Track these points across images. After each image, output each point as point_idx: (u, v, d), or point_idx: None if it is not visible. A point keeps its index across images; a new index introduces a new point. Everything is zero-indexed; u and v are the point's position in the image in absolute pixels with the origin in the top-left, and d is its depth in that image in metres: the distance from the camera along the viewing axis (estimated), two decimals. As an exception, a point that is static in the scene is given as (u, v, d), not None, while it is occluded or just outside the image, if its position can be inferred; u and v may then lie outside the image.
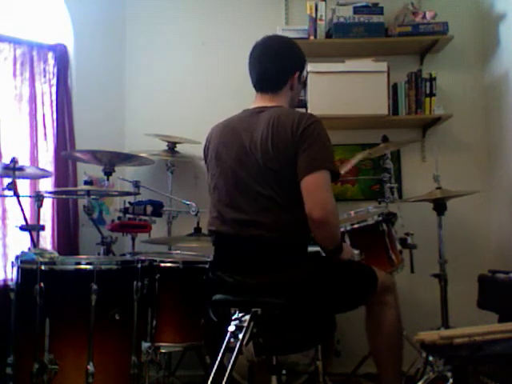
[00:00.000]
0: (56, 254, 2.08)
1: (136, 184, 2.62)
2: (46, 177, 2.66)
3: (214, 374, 1.57)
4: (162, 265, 2.35)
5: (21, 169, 2.20)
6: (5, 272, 2.50)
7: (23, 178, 2.39)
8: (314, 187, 1.67)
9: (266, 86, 1.87)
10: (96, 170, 2.65)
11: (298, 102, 2.06)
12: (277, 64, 1.86)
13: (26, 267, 1.96)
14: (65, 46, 2.93)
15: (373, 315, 1.92)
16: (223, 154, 1.81)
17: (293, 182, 1.70)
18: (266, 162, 1.71)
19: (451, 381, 1.97)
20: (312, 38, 3.03)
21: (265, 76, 1.87)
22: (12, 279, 2.03)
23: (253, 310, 1.61)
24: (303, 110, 2.91)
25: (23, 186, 2.55)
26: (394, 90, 3.05)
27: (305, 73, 2.94)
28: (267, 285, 1.69)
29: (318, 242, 1.75)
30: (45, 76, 2.85)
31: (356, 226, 2.38)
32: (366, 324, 1.94)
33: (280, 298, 1.66)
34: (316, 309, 1.74)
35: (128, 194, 2.58)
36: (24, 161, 2.63)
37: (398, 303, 1.93)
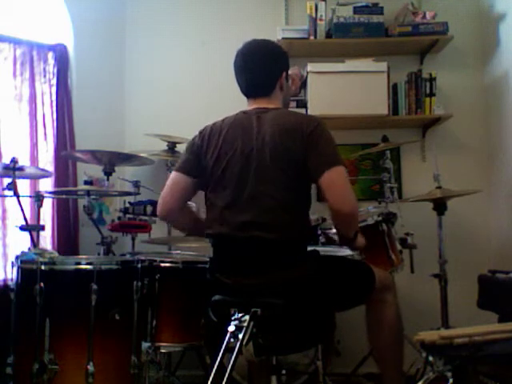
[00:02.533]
0: (56, 254, 2.08)
1: (136, 184, 2.62)
2: (46, 177, 2.66)
3: (214, 374, 1.57)
4: (162, 265, 2.35)
5: (21, 169, 2.20)
6: (5, 272, 2.50)
7: (23, 178, 2.39)
8: (339, 182, 1.71)
9: (259, 92, 1.89)
10: (96, 170, 2.65)
11: (289, 101, 2.12)
12: (265, 69, 1.88)
13: (26, 267, 1.96)
14: (65, 46, 2.93)
15: (373, 314, 1.93)
16: (227, 155, 1.80)
17: (295, 182, 1.72)
18: (273, 161, 1.72)
19: (451, 381, 1.97)
20: (312, 38, 3.03)
21: (256, 82, 1.88)
22: (12, 279, 2.04)
23: (252, 310, 1.61)
24: (303, 110, 2.92)
25: (23, 186, 2.55)
26: (394, 90, 3.05)
27: (304, 73, 2.95)
28: (267, 285, 1.69)
29: (341, 232, 1.86)
30: (45, 76, 2.85)
31: (356, 225, 2.38)
32: (366, 323, 1.95)
33: (279, 298, 1.66)
34: (315, 308, 1.74)
35: (128, 194, 2.58)
36: (24, 161, 2.63)
37: (397, 301, 1.95)
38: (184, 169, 1.90)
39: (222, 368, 1.59)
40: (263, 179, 1.72)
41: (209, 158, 1.85)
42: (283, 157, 1.72)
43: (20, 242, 2.49)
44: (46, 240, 2.73)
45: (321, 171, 1.69)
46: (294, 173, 1.71)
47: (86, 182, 2.39)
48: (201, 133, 1.92)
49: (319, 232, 2.46)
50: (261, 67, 1.88)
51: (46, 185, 2.75)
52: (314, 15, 3.03)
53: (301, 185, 1.74)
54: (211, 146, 1.85)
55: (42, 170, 2.61)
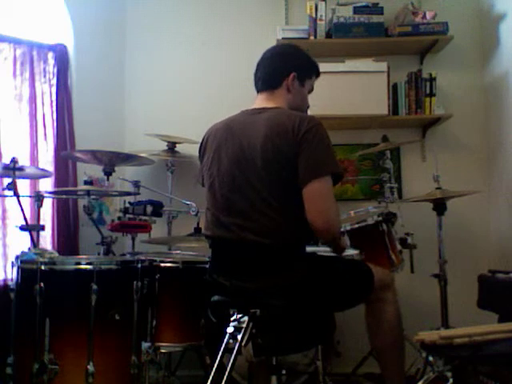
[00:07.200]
0: (56, 254, 2.08)
1: (136, 184, 2.62)
2: (46, 177, 2.66)
3: (214, 374, 1.57)
4: (162, 265, 2.35)
5: (21, 169, 2.20)
6: (5, 272, 2.50)
7: (23, 178, 2.39)
8: (317, 196, 1.67)
9: (262, 85, 1.91)
10: (96, 170, 2.65)
11: (306, 110, 2.01)
12: (271, 63, 1.92)
13: (26, 267, 1.97)
14: (65, 46, 2.93)
15: (372, 313, 1.92)
16: (221, 156, 1.80)
17: (290, 183, 1.69)
18: (265, 163, 1.70)
19: (451, 381, 1.97)
20: (312, 38, 3.03)
21: (261, 75, 1.91)
22: (12, 279, 2.03)
23: (251, 310, 1.61)
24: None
25: (23, 186, 2.55)
26: (394, 90, 3.05)
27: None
28: (265, 287, 1.68)
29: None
30: (45, 76, 2.85)
31: (356, 226, 2.39)
32: (366, 322, 1.94)
33: (278, 299, 1.66)
34: (314, 309, 1.73)
35: (128, 194, 2.58)
36: (24, 161, 2.63)
37: (397, 299, 1.94)
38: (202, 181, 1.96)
39: (222, 368, 1.59)
40: (255, 183, 1.70)
41: (205, 162, 1.88)
42: (276, 158, 1.68)
43: (20, 242, 2.49)
44: (46, 240, 2.73)
45: (305, 181, 1.66)
46: (289, 174, 1.68)
47: (86, 182, 2.39)
48: (203, 138, 1.95)
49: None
50: (270, 62, 1.93)
51: (46, 185, 2.75)
52: (314, 15, 3.03)
53: (297, 186, 1.69)
54: (207, 151, 1.87)
55: (42, 169, 2.60)
